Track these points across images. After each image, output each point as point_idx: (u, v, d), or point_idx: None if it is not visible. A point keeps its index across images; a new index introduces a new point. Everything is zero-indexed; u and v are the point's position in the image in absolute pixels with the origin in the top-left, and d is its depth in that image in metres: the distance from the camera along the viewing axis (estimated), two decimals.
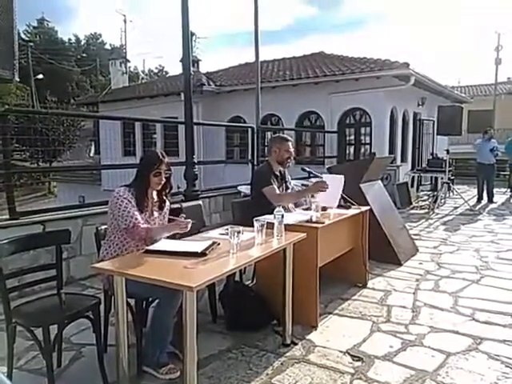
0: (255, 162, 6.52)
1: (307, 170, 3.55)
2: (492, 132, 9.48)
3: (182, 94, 11.32)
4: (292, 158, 3.47)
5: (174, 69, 45.96)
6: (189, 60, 4.69)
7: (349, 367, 2.47)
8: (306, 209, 3.34)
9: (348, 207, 3.54)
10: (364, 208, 3.68)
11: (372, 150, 9.62)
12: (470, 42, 76.67)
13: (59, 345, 2.44)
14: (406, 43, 72.25)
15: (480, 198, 9.38)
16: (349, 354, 2.62)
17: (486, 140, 9.18)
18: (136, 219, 2.41)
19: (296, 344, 2.74)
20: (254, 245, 2.39)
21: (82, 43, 47.78)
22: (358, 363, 2.51)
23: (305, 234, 2.68)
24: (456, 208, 8.72)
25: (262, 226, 2.39)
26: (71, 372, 2.43)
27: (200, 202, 3.93)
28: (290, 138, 3.47)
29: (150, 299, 2.55)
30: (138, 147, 13.73)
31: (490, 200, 9.33)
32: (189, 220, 2.39)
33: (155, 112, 11.55)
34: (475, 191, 9.77)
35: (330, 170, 4.79)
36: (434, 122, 12.46)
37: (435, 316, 3.18)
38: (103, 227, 2.64)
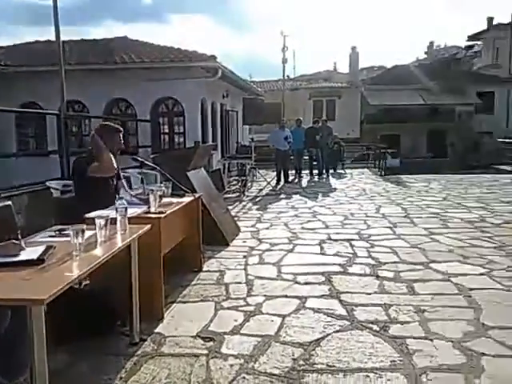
0: (64, 154, 5.83)
1: (139, 159, 3.43)
2: (284, 122, 11.03)
3: None
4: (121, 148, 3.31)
5: None
6: None
7: (202, 349, 2.55)
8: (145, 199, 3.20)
9: (182, 195, 3.58)
10: (197, 195, 3.79)
11: (186, 139, 9.86)
12: (259, 41, 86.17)
13: None
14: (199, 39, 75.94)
15: (279, 180, 10.81)
16: (199, 336, 2.71)
17: (281, 129, 10.62)
18: None
19: (145, 340, 2.66)
20: (97, 243, 2.19)
21: None
22: (210, 343, 2.62)
23: (149, 226, 2.60)
24: (261, 190, 9.83)
25: (107, 221, 2.21)
26: None
27: (9, 202, 3.28)
28: (121, 129, 3.30)
29: None
30: None
31: (286, 181, 10.87)
32: None
33: None
34: (273, 174, 11.20)
35: (155, 159, 4.71)
36: (237, 112, 13.61)
37: (266, 285, 3.57)
38: None
